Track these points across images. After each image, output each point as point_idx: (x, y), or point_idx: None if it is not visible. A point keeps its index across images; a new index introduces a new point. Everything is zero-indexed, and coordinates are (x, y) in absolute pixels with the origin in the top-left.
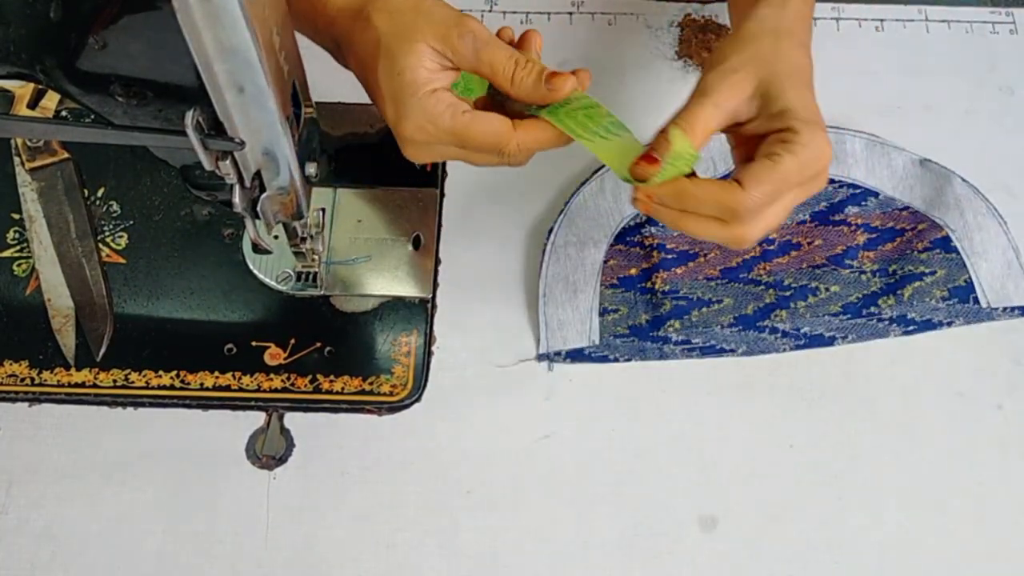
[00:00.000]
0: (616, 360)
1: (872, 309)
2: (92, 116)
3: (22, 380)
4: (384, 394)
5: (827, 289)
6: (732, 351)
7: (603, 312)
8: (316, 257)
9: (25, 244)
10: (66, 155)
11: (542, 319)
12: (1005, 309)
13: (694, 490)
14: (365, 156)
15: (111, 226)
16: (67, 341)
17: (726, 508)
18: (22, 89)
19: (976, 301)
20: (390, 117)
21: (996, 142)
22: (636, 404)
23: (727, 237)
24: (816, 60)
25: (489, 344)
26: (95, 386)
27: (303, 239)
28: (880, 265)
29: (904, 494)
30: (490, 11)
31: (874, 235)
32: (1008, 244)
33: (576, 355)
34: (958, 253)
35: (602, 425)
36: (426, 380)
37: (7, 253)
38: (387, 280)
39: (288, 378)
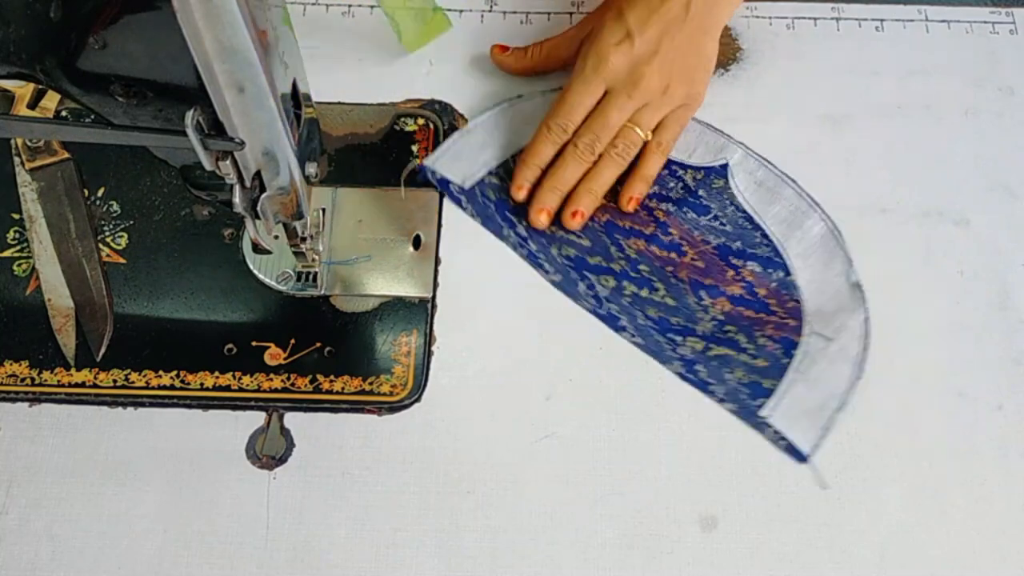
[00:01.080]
0: (463, 211)
1: (677, 339)
2: (92, 116)
3: (22, 380)
4: (384, 394)
5: (664, 295)
6: (546, 272)
7: (494, 172)
8: (316, 257)
9: (25, 244)
10: (66, 155)
11: (448, 141)
12: (775, 433)
13: (694, 490)
14: (365, 156)
15: (111, 226)
16: (67, 341)
17: (726, 508)
18: (22, 89)
19: (758, 407)
20: None
21: (996, 142)
22: (636, 404)
23: None
24: (816, 60)
25: (489, 344)
26: (95, 386)
27: (303, 239)
28: (724, 320)
29: (904, 494)
30: (490, 11)
31: (748, 297)
32: (837, 395)
33: (443, 184)
34: (789, 361)
35: (602, 425)
36: (426, 380)
37: (7, 253)
38: (387, 280)
39: (288, 378)
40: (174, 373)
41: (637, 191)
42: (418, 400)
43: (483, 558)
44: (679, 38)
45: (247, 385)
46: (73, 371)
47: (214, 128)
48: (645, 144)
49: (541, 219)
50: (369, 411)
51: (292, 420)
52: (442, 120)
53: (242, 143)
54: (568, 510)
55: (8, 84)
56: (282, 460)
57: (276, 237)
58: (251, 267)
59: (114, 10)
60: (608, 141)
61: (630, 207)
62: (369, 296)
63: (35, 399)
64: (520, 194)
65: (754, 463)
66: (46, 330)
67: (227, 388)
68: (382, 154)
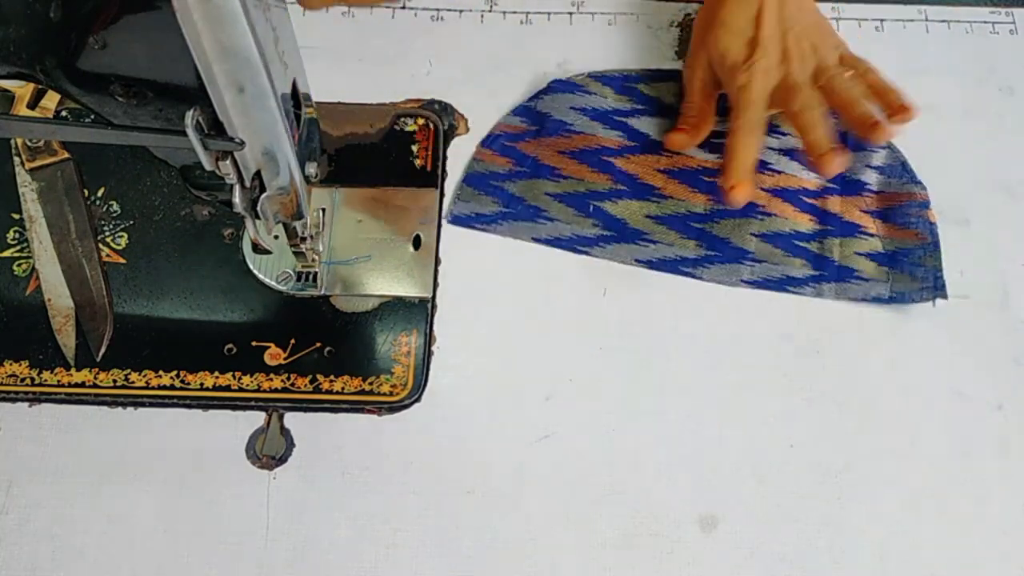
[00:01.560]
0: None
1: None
2: (92, 116)
3: (22, 380)
4: (384, 394)
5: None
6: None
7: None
8: (316, 257)
9: (25, 244)
10: (66, 155)
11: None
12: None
13: (694, 490)
14: (365, 156)
15: (111, 226)
16: (67, 341)
17: (726, 508)
18: (22, 89)
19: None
20: None
21: (996, 142)
22: (636, 404)
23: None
24: None
25: (489, 344)
26: (95, 386)
27: (303, 239)
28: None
29: (904, 494)
30: (490, 11)
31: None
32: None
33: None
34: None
35: (602, 425)
36: (426, 380)
37: (7, 253)
38: (387, 280)
39: (288, 378)
40: (174, 373)
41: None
42: (418, 400)
43: (483, 558)
44: (792, 15)
45: (247, 385)
46: (73, 371)
47: (214, 128)
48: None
49: (737, 195)
50: (369, 411)
51: (292, 420)
52: (442, 120)
53: (242, 143)
54: (568, 510)
55: (8, 84)
56: (282, 460)
57: (276, 237)
58: (251, 267)
59: (114, 10)
60: (827, 107)
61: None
62: (369, 296)
63: (35, 399)
64: (739, 196)
65: (754, 463)
66: (46, 330)
67: (227, 388)
68: (382, 154)
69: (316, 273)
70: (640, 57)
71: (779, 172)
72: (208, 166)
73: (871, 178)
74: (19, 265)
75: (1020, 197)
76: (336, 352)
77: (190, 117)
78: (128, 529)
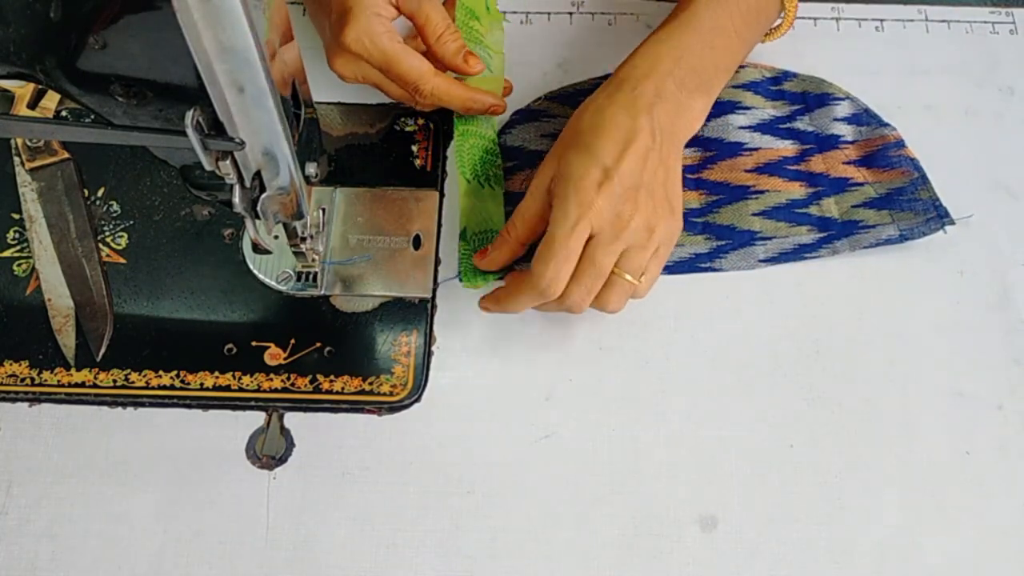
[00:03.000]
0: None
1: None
2: (92, 116)
3: (22, 380)
4: (384, 394)
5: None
6: None
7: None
8: (316, 257)
9: (25, 244)
10: (66, 155)
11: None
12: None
13: (694, 490)
14: (365, 156)
15: (111, 226)
16: (67, 341)
17: (726, 508)
18: (22, 89)
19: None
20: (334, 25)
21: (996, 142)
22: (636, 404)
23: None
24: (816, 60)
25: (489, 344)
26: (95, 386)
27: (303, 239)
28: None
29: (904, 494)
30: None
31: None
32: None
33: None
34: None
35: (602, 425)
36: (426, 380)
37: (7, 253)
38: (387, 280)
39: (288, 378)
40: (174, 373)
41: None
42: (418, 400)
43: (483, 558)
44: (654, 168)
45: (247, 385)
46: (73, 371)
47: (214, 128)
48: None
49: (485, 262)
50: (369, 411)
51: (292, 420)
52: (442, 120)
53: (242, 143)
54: (568, 510)
55: (8, 84)
56: (282, 460)
57: (276, 237)
58: (251, 267)
59: (114, 10)
60: (597, 290)
61: (574, 310)
62: (369, 296)
63: (35, 399)
64: (492, 267)
65: (754, 463)
66: (46, 330)
67: (227, 388)
68: (382, 154)
69: (316, 273)
70: None
71: (756, 149)
72: (208, 166)
73: (843, 130)
74: (19, 265)
75: (1020, 197)
76: (336, 352)
77: (190, 117)
78: (128, 529)
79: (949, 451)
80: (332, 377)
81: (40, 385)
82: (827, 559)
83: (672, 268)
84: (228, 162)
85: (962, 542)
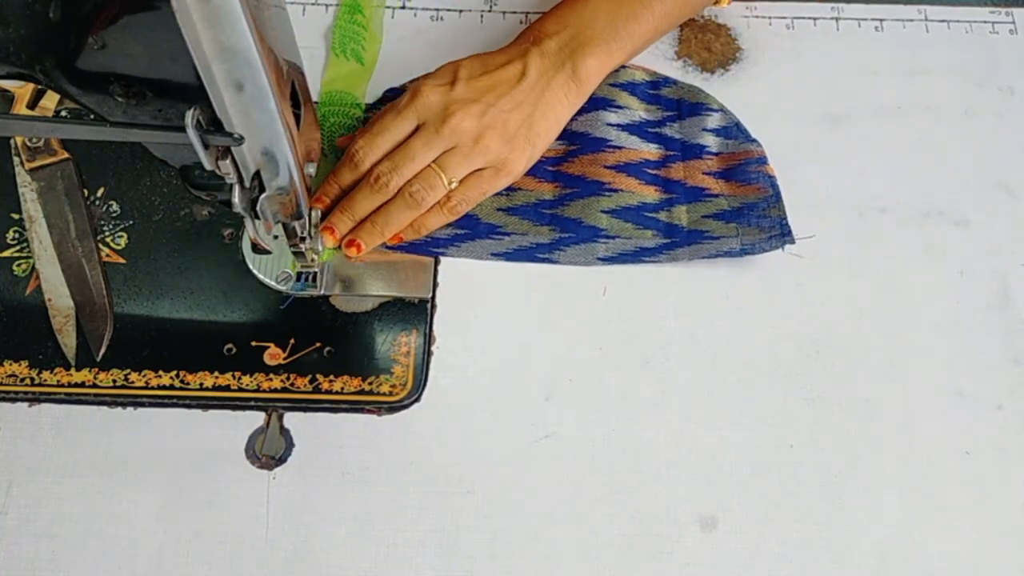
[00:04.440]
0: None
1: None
2: (92, 116)
3: (22, 380)
4: (384, 394)
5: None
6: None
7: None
8: (315, 257)
9: (25, 244)
10: (66, 155)
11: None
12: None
13: (694, 490)
14: None
15: (111, 226)
16: (67, 341)
17: (726, 508)
18: (22, 89)
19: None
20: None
21: (996, 142)
22: (636, 404)
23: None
24: (816, 60)
25: (489, 344)
26: (95, 386)
27: (302, 239)
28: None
29: (904, 494)
30: (489, 11)
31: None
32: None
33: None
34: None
35: (602, 425)
36: (426, 380)
37: (7, 253)
38: (387, 280)
39: (288, 378)
40: (174, 373)
41: (404, 234)
42: (418, 400)
43: (483, 558)
44: (506, 98)
45: (247, 385)
46: (73, 371)
47: (213, 127)
48: (443, 199)
49: (325, 237)
50: (369, 411)
51: (292, 420)
52: None
53: (241, 138)
54: (568, 510)
55: (8, 84)
56: (282, 460)
57: (276, 237)
58: (251, 267)
59: (114, 10)
60: (408, 176)
61: (391, 241)
62: (369, 296)
63: (35, 399)
64: (318, 205)
65: (754, 463)
66: (46, 330)
67: (227, 388)
68: None
69: (316, 273)
70: (640, 57)
71: (620, 148)
72: (208, 166)
73: (709, 141)
74: (19, 265)
75: (1020, 197)
76: (336, 352)
77: (190, 117)
78: (128, 529)
79: (949, 451)
80: (332, 377)
81: (40, 385)
82: (827, 559)
83: (511, 255)
84: (228, 162)
85: (962, 542)
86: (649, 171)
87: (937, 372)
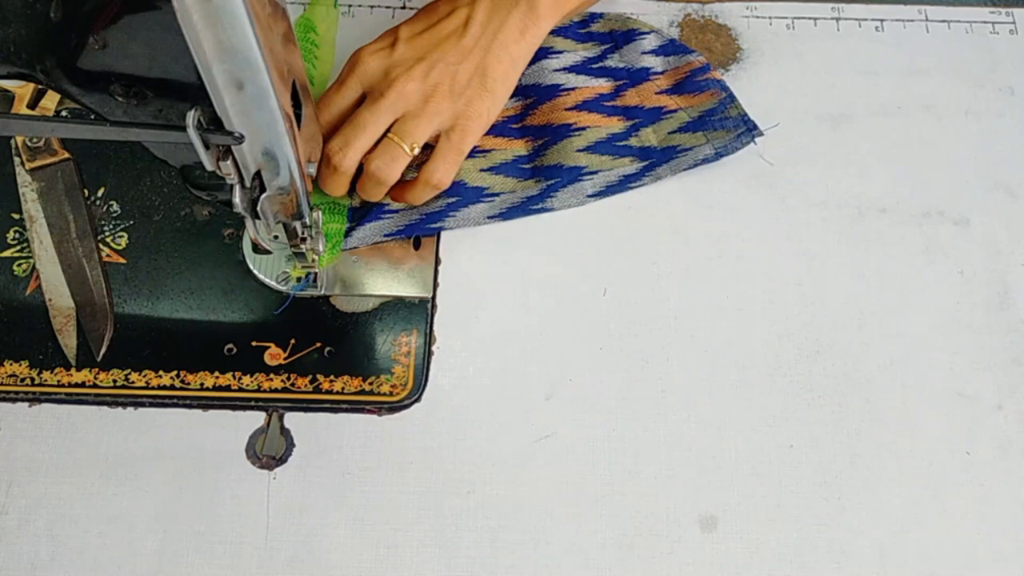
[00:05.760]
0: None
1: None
2: (92, 116)
3: (22, 380)
4: (384, 394)
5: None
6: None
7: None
8: (316, 257)
9: (25, 244)
10: (66, 155)
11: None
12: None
13: (694, 490)
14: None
15: (111, 226)
16: (68, 341)
17: (726, 508)
18: (22, 89)
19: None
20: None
21: (996, 142)
22: (636, 404)
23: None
24: (816, 60)
25: (489, 344)
26: (95, 386)
27: (303, 239)
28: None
29: (904, 494)
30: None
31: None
32: None
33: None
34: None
35: (602, 425)
36: (426, 380)
37: (7, 253)
38: (387, 280)
39: (288, 378)
40: (174, 373)
41: (398, 196)
42: (418, 400)
43: (483, 558)
44: (451, 52)
45: (247, 385)
46: (73, 371)
47: (214, 127)
48: (425, 175)
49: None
50: (369, 411)
51: (292, 420)
52: None
53: (241, 137)
54: (568, 510)
55: (8, 84)
56: (282, 460)
57: (276, 237)
58: (251, 267)
59: (114, 10)
60: (362, 149)
61: (396, 197)
62: (369, 296)
63: (35, 399)
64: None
65: (754, 463)
66: (46, 330)
67: (227, 388)
68: None
69: (316, 273)
70: None
71: (573, 88)
72: (209, 166)
73: (651, 62)
74: (19, 265)
75: (1020, 197)
76: (336, 352)
77: (191, 117)
78: (128, 529)
79: (949, 451)
80: (332, 377)
81: (40, 385)
82: (827, 559)
83: (506, 214)
84: (228, 162)
85: (962, 542)
86: (606, 104)
87: (937, 372)
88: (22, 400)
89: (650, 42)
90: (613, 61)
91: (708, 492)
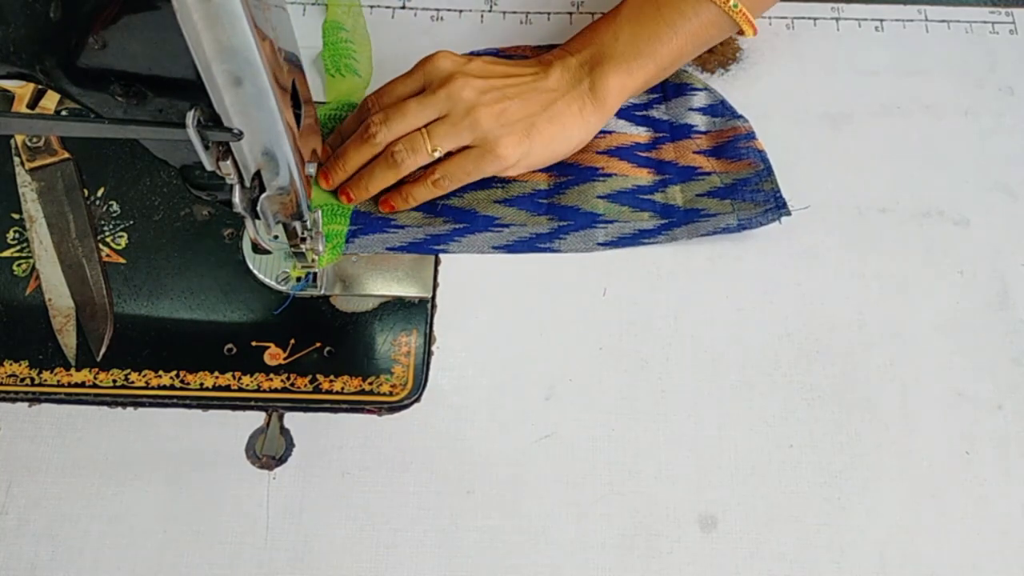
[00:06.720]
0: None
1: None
2: (92, 116)
3: (22, 380)
4: (384, 394)
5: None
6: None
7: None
8: (315, 257)
9: (25, 244)
10: (66, 155)
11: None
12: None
13: (694, 490)
14: None
15: (111, 226)
16: (68, 341)
17: (726, 508)
18: (22, 89)
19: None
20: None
21: (996, 142)
22: (636, 404)
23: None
24: (816, 60)
25: (489, 344)
26: (95, 386)
27: (303, 239)
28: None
29: (904, 494)
30: (490, 11)
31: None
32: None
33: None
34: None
35: (602, 425)
36: (426, 380)
37: (7, 253)
38: (387, 280)
39: (288, 378)
40: (174, 373)
41: (394, 201)
42: (418, 400)
43: (483, 558)
44: (514, 88)
45: (247, 385)
46: (73, 371)
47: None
48: (429, 172)
49: (320, 180)
50: (369, 411)
51: (292, 420)
52: None
53: (240, 133)
54: (568, 510)
55: (8, 84)
56: (282, 460)
57: (276, 237)
58: (251, 267)
59: (114, 10)
60: (397, 134)
61: (383, 207)
62: (369, 296)
63: (35, 399)
64: (324, 154)
65: (754, 463)
66: (46, 330)
67: (227, 388)
68: None
69: (316, 273)
70: None
71: (610, 132)
72: (209, 166)
73: (696, 120)
74: (19, 265)
75: (1020, 197)
76: (336, 352)
77: (191, 117)
78: (128, 529)
79: (949, 451)
80: (332, 377)
81: (40, 385)
82: (827, 559)
83: (512, 247)
84: (228, 162)
85: (962, 542)
86: (640, 154)
87: (937, 372)
88: (22, 400)
89: (700, 100)
90: (658, 112)
91: (708, 492)
